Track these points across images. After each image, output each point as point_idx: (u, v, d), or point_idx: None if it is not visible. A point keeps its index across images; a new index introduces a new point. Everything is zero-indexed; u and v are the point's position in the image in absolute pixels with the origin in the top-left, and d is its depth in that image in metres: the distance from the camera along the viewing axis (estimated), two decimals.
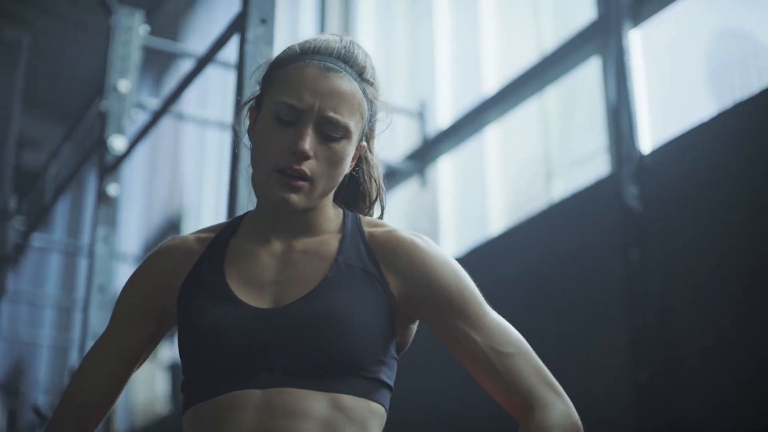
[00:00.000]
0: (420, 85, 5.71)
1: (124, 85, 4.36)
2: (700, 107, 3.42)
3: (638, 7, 3.75)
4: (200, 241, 1.62)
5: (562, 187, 4.44)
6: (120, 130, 4.25)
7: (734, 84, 3.35)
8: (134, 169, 10.42)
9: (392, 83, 5.92)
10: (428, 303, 1.51)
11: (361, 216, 1.63)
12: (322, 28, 6.62)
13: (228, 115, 5.71)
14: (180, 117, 6.14)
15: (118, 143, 4.21)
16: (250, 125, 1.60)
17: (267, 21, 2.80)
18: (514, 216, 4.70)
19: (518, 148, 4.87)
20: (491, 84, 5.01)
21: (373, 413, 1.47)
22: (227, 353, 1.45)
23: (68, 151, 7.59)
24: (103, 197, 4.10)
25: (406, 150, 5.47)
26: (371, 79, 1.57)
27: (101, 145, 4.23)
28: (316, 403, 1.42)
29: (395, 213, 5.55)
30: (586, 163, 4.29)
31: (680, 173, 3.33)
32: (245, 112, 1.64)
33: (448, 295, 1.51)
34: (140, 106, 4.53)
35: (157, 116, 3.92)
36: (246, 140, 1.64)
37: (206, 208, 8.36)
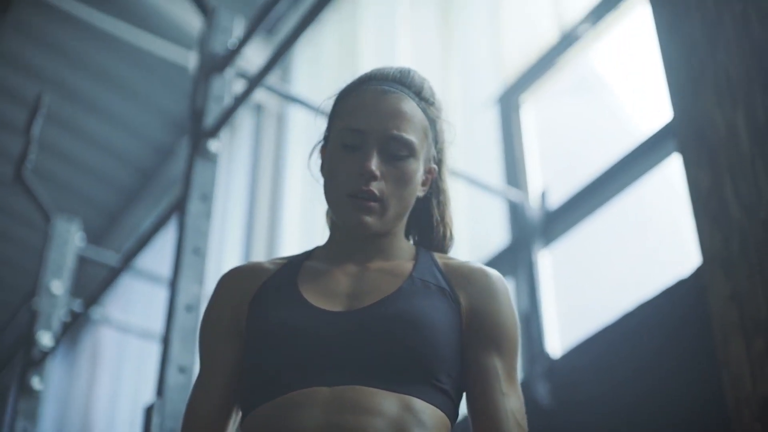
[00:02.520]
0: None
1: (56, 286, 4.49)
2: (606, 312, 3.68)
3: (548, 228, 4.08)
4: (273, 263, 1.61)
5: None
6: (48, 327, 4.35)
7: (637, 287, 3.63)
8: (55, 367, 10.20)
9: None
10: (483, 331, 1.49)
11: (433, 252, 1.61)
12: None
13: (151, 324, 5.81)
14: (104, 321, 6.22)
15: (45, 339, 4.29)
16: (321, 164, 1.62)
17: (207, 198, 2.98)
18: None
19: None
20: None
21: (443, 423, 1.42)
22: (296, 351, 1.42)
23: None
24: (26, 389, 4.14)
25: None
26: (430, 99, 1.61)
27: (29, 339, 4.31)
28: (386, 400, 1.37)
29: None
30: None
31: (588, 372, 3.54)
32: (316, 153, 1.65)
33: (504, 333, 1.50)
34: (71, 307, 4.65)
35: (76, 317, 4.11)
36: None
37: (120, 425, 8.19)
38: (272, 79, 4.97)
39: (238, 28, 3.26)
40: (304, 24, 2.77)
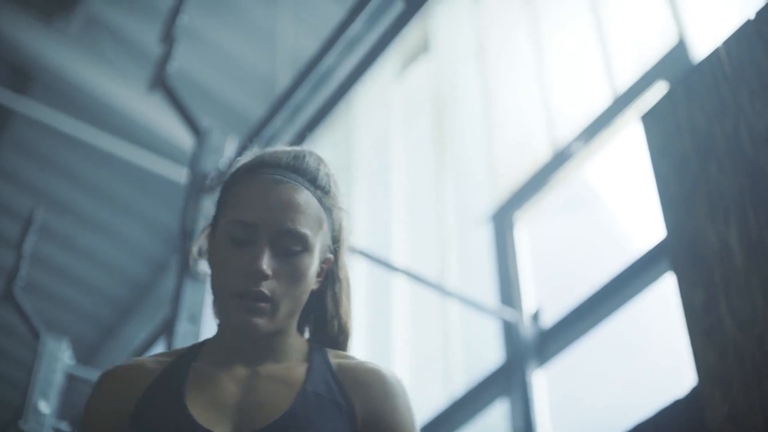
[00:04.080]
0: None
1: (44, 406, 4.41)
2: None
3: (543, 347, 4.03)
4: (157, 362, 1.49)
5: None
6: None
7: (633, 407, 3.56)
8: None
9: None
10: None
11: (327, 349, 1.52)
12: None
13: None
14: None
15: None
16: (208, 251, 1.52)
17: (196, 319, 2.95)
18: None
19: None
20: None
21: None
22: None
23: None
24: None
25: None
26: (326, 186, 1.50)
27: None
28: None
29: None
30: None
31: None
32: (202, 238, 1.56)
33: None
34: (57, 428, 4.55)
35: None
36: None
37: None
38: None
39: (230, 147, 3.26)
40: (298, 142, 2.76)
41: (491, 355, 4.37)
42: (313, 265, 1.45)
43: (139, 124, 7.11)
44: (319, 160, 1.52)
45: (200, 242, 1.58)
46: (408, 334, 5.35)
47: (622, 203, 4.41)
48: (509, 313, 4.14)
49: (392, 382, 1.47)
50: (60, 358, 4.63)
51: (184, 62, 3.78)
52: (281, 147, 1.55)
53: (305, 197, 1.45)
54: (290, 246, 1.41)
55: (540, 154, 4.56)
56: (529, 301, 4.24)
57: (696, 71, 2.72)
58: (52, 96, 6.92)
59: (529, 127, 4.79)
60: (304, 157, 1.50)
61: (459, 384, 4.82)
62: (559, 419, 3.92)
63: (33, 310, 4.71)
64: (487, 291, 4.45)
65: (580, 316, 3.88)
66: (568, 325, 3.94)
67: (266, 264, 1.38)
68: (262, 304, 1.39)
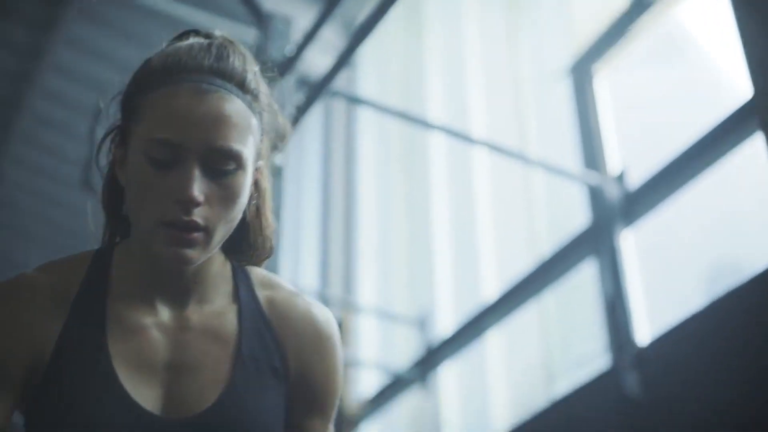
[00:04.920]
0: (420, 292, 5.84)
1: None
2: (694, 298, 3.54)
3: (629, 209, 3.93)
4: (64, 290, 1.29)
5: (563, 389, 4.49)
6: None
7: (727, 274, 3.49)
8: None
9: (392, 292, 6.06)
10: (308, 397, 1.36)
11: (249, 269, 1.40)
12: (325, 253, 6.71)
13: None
14: None
15: None
16: (114, 163, 1.34)
17: (274, 214, 2.94)
18: (517, 420, 4.72)
19: (519, 351, 4.95)
20: (490, 290, 5.14)
21: None
22: None
23: None
24: None
25: (409, 357, 5.54)
26: (255, 89, 1.31)
27: None
28: None
29: (398, 420, 5.57)
30: (587, 363, 4.36)
31: (678, 362, 3.41)
32: (106, 147, 1.36)
33: (329, 396, 1.37)
34: None
35: None
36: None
37: None
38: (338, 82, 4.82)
39: (296, 34, 3.17)
40: (371, 23, 2.64)
41: (576, 221, 4.30)
42: (248, 182, 1.28)
43: None
44: (243, 56, 1.33)
45: (106, 151, 1.37)
46: (491, 205, 5.31)
47: (716, 50, 4.19)
48: (593, 177, 4.03)
49: (327, 334, 1.38)
50: None
51: None
52: (195, 40, 1.34)
53: (235, 107, 1.25)
54: (222, 166, 1.23)
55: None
56: (613, 162, 4.12)
57: None
58: None
59: None
60: (228, 56, 1.29)
61: (545, 250, 4.78)
62: (649, 284, 3.86)
63: None
64: (570, 154, 4.34)
65: (668, 177, 3.75)
66: (655, 186, 3.81)
67: (198, 189, 1.21)
68: (195, 234, 1.22)
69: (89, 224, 1.42)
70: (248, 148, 1.26)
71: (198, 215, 1.21)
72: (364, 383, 5.80)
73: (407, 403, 5.62)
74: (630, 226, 3.94)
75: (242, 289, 1.35)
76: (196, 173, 1.21)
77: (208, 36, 1.36)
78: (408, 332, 5.68)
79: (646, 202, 3.86)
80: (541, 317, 4.82)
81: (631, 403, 3.49)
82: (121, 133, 1.32)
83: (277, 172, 2.94)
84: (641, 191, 3.87)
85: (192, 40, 1.34)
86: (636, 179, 3.94)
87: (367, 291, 6.24)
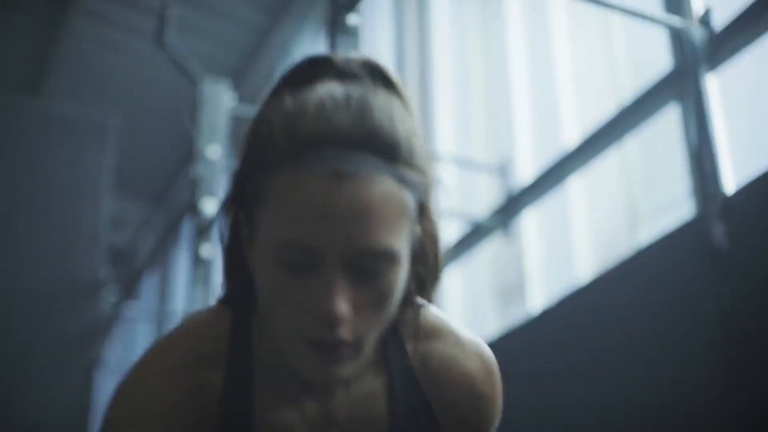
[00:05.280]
0: (500, 140, 5.78)
1: (212, 150, 4.51)
2: None
3: (714, 52, 3.78)
4: (208, 376, 1.15)
5: (647, 234, 4.44)
6: (210, 194, 4.39)
7: None
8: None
9: (472, 140, 6.01)
10: None
11: (399, 323, 1.19)
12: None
13: None
14: None
15: (209, 206, 4.35)
16: (240, 240, 1.13)
17: None
18: (600, 265, 4.70)
19: (602, 197, 4.90)
20: (571, 136, 5.06)
21: None
22: None
23: (155, 224, 7.77)
24: (197, 260, 4.23)
25: (490, 205, 5.53)
26: (408, 156, 1.03)
27: (192, 209, 4.37)
28: None
29: (480, 268, 5.60)
30: (671, 209, 4.29)
31: (766, 211, 3.33)
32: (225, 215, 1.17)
33: None
34: (230, 171, 4.69)
35: None
36: None
37: None
38: None
39: None
40: None
41: (659, 65, 4.16)
42: (403, 272, 1.06)
43: None
44: (390, 105, 1.04)
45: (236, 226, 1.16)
46: (570, 50, 5.16)
47: None
48: (676, 19, 3.87)
49: (486, 395, 1.23)
50: (221, 101, 4.68)
51: None
52: (326, 89, 1.04)
53: (383, 190, 1.00)
54: (371, 266, 1.01)
55: None
56: (696, 2, 3.94)
57: None
58: None
59: None
60: (372, 113, 1.01)
61: (626, 96, 4.65)
62: (735, 129, 3.74)
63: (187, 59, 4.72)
64: None
65: (755, 16, 3.58)
66: (742, 27, 3.65)
67: (344, 303, 1.00)
68: (344, 351, 1.03)
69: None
70: (401, 238, 1.03)
71: (345, 331, 1.01)
72: (446, 232, 5.82)
73: (489, 251, 5.64)
74: (715, 70, 3.80)
75: (392, 352, 1.19)
76: (340, 282, 1.00)
77: (342, 73, 1.09)
78: (489, 180, 5.65)
79: (733, 45, 3.70)
80: (623, 163, 4.74)
81: (718, 253, 3.44)
82: (244, 211, 1.10)
83: (352, 32, 2.85)
84: (727, 33, 3.71)
85: (322, 88, 1.05)
86: (721, 20, 3.77)
87: (446, 140, 6.19)
